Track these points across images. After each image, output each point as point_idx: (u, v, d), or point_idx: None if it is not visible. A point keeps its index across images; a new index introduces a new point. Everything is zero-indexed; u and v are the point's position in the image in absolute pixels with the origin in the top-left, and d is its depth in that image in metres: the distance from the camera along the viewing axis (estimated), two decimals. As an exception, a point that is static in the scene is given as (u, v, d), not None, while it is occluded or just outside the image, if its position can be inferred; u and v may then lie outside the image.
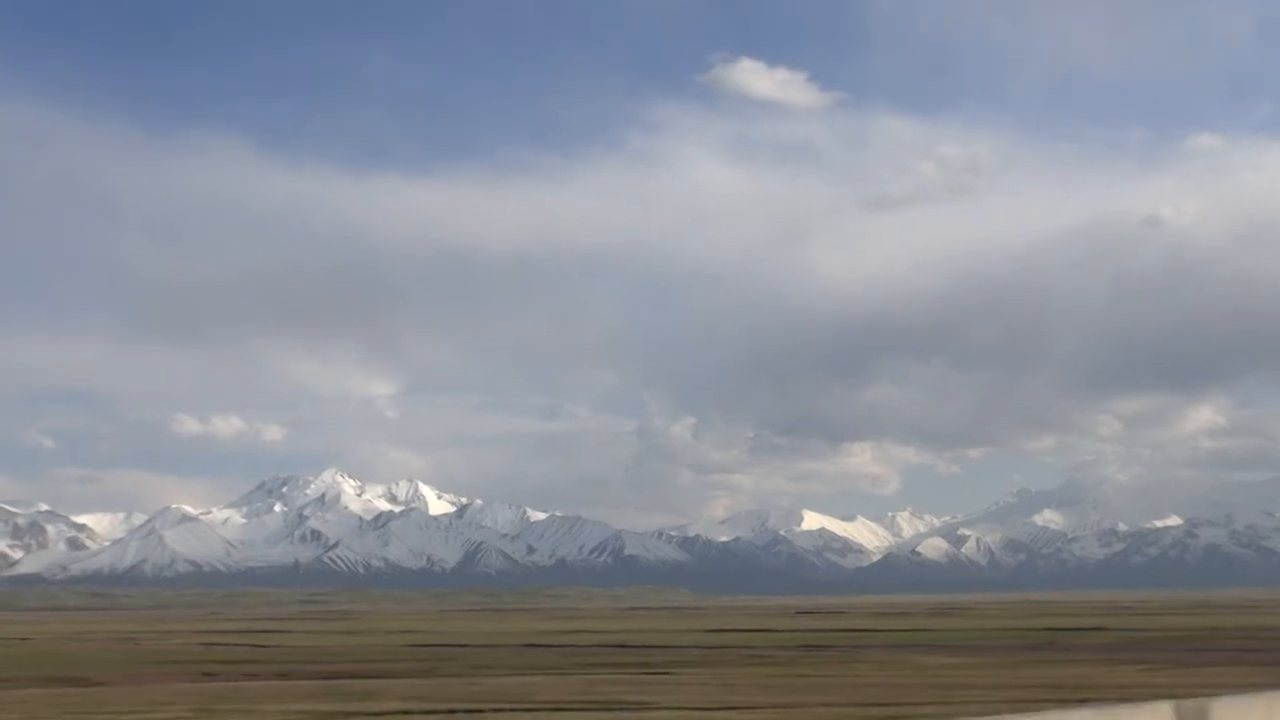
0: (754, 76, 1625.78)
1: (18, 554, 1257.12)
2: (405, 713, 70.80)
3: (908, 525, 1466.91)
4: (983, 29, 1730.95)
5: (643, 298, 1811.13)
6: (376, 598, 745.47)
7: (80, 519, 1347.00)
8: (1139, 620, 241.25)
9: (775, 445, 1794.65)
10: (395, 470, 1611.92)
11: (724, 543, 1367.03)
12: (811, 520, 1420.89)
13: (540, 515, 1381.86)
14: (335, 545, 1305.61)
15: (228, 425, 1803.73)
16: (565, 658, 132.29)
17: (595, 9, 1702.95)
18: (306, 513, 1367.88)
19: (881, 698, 76.30)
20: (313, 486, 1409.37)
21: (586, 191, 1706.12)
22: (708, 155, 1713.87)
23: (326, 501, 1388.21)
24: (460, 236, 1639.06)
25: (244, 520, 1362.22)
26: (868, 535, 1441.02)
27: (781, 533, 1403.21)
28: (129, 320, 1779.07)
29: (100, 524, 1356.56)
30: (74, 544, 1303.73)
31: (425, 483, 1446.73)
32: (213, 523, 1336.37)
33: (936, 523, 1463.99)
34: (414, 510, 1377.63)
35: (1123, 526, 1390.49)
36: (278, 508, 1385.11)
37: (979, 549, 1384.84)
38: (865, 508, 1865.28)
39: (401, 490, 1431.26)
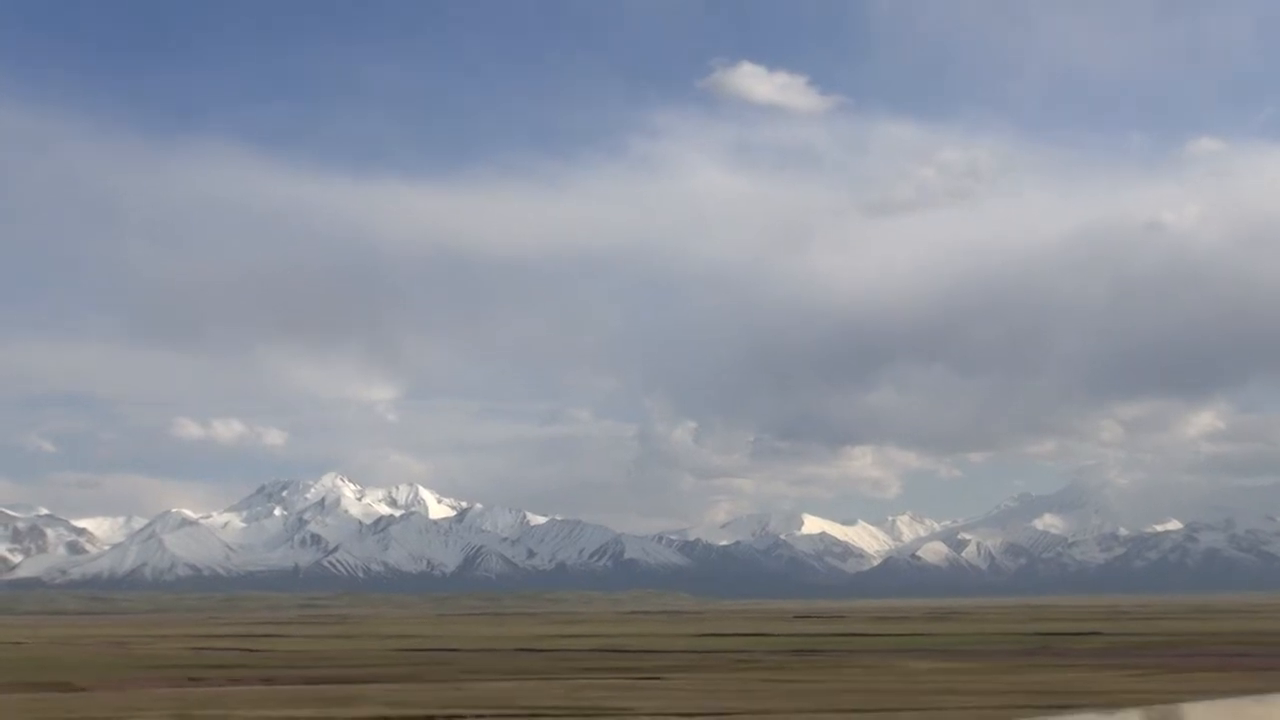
0: (754, 81, 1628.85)
1: (17, 558, 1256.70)
2: (384, 718, 70.27)
3: (908, 529, 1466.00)
4: (983, 33, 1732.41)
5: (643, 302, 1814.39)
6: (376, 602, 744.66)
7: (80, 523, 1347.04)
8: (1135, 625, 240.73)
9: (776, 449, 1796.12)
10: (395, 474, 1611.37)
11: (724, 547, 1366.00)
12: (812, 524, 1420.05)
13: (540, 519, 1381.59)
14: (335, 549, 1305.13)
15: (228, 429, 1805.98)
16: (555, 662, 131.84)
17: (595, 13, 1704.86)
18: (306, 517, 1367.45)
19: (862, 703, 75.83)
20: (313, 490, 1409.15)
21: (587, 196, 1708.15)
22: (708, 160, 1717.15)
23: (326, 506, 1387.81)
24: (461, 240, 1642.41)
25: (244, 524, 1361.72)
26: (868, 539, 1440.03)
27: (782, 537, 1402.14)
28: (129, 324, 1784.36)
29: (100, 528, 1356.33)
30: (74, 548, 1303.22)
31: (425, 487, 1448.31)
32: (213, 527, 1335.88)
33: (937, 527, 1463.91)
34: (414, 514, 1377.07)
35: (1123, 531, 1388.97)
36: (278, 512, 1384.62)
37: (979, 553, 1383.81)
38: (866, 512, 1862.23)
39: (401, 494, 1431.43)
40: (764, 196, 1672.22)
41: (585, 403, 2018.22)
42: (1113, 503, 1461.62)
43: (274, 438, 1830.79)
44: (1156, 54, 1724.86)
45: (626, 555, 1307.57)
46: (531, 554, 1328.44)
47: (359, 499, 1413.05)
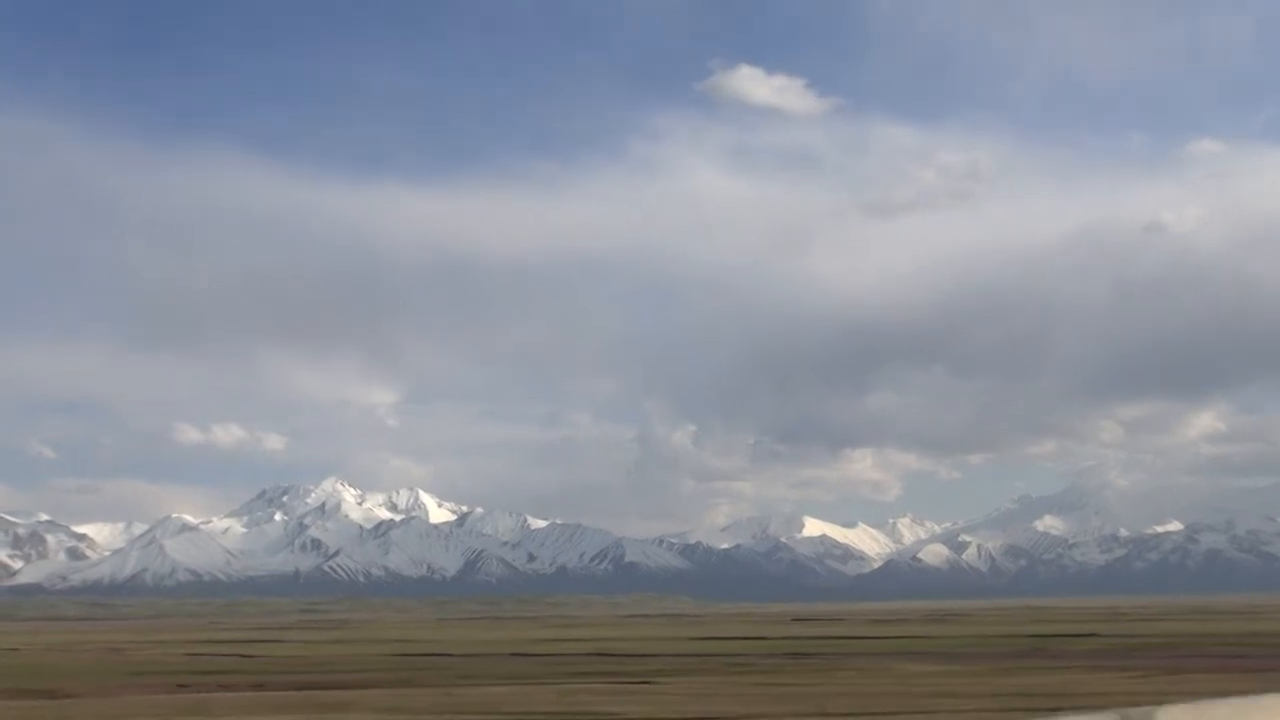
0: (753, 83, 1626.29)
1: (18, 564, 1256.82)
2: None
3: (909, 532, 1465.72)
4: (982, 34, 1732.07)
5: (643, 305, 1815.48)
6: (376, 606, 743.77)
7: (80, 529, 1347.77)
8: (1133, 626, 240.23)
9: (776, 452, 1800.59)
10: (396, 479, 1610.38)
11: (725, 550, 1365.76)
12: (812, 527, 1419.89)
13: (541, 523, 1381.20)
14: (336, 554, 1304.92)
15: (228, 434, 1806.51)
16: (549, 667, 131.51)
17: (595, 17, 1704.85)
18: (307, 521, 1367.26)
19: (854, 707, 75.51)
20: (313, 495, 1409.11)
21: (587, 199, 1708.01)
22: (708, 162, 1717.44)
23: (327, 510, 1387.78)
24: (461, 244, 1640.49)
25: (244, 529, 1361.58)
26: (869, 542, 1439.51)
27: (782, 540, 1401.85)
28: (129, 328, 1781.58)
29: (100, 534, 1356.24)
30: (74, 554, 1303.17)
31: (426, 491, 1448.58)
32: (213, 532, 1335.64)
33: (938, 529, 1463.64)
34: (414, 519, 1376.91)
35: (1124, 532, 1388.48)
36: (278, 517, 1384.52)
37: (980, 555, 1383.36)
38: (866, 514, 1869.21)
39: (402, 499, 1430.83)
40: (763, 199, 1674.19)
41: (585, 406, 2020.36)
42: (1113, 504, 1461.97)
43: (274, 442, 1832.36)
44: (1156, 55, 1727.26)
45: (627, 559, 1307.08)
46: (532, 558, 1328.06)
47: (359, 503, 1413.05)
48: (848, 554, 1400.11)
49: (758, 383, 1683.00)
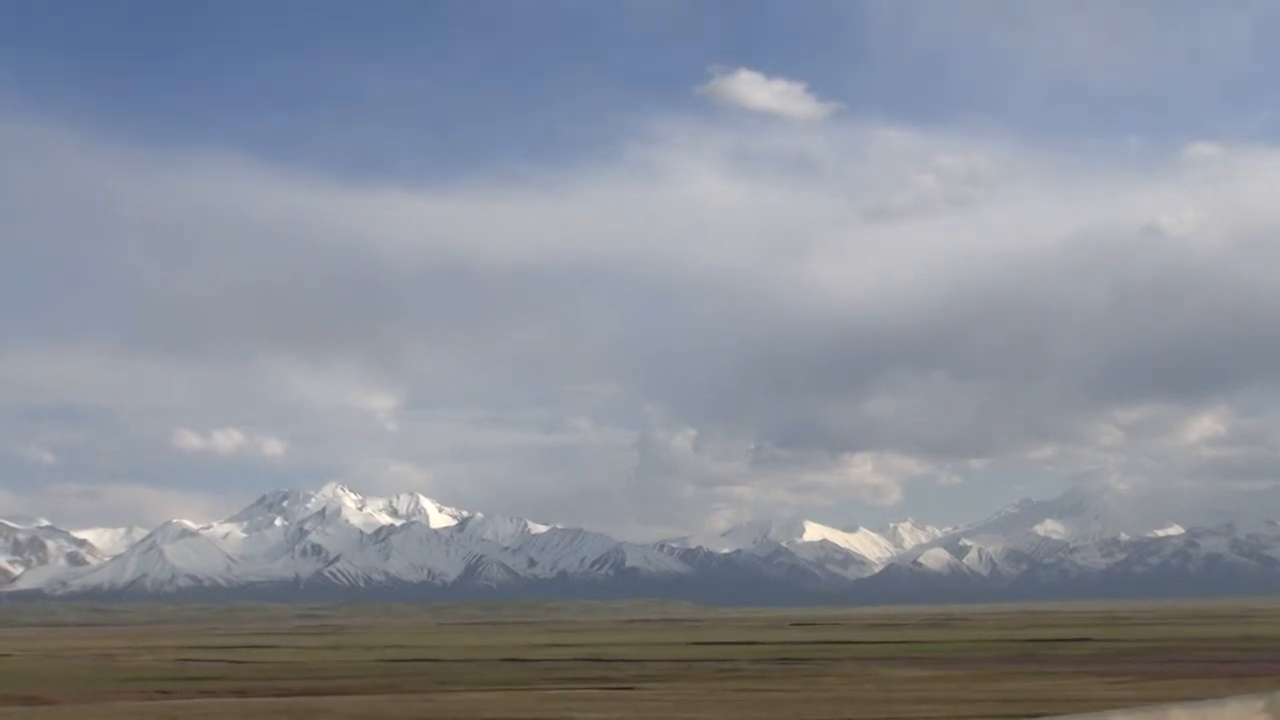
0: (752, 88, 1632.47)
1: (18, 570, 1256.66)
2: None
3: (909, 536, 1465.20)
4: (981, 39, 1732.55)
5: (643, 309, 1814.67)
6: (376, 612, 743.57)
7: (80, 534, 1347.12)
8: (1130, 631, 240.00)
9: (776, 457, 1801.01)
10: (396, 484, 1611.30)
11: (725, 554, 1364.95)
12: (813, 531, 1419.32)
13: (541, 528, 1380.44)
14: (336, 559, 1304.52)
15: (228, 439, 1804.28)
16: (537, 673, 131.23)
17: (593, 22, 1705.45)
18: (307, 527, 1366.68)
19: (832, 713, 75.27)
20: (313, 500, 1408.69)
21: (586, 204, 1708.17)
22: (707, 167, 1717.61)
23: (327, 515, 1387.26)
24: (460, 249, 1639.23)
25: (244, 535, 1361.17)
26: (869, 546, 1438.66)
27: (783, 544, 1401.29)
28: (129, 334, 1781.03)
29: (100, 539, 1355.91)
30: (74, 559, 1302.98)
31: (426, 496, 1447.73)
32: (213, 537, 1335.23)
33: (938, 533, 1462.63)
34: (415, 524, 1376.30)
35: (1124, 536, 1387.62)
36: (278, 522, 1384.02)
37: (980, 559, 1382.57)
38: (867, 519, 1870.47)
39: (402, 504, 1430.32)
40: (763, 203, 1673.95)
41: (585, 411, 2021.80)
42: (1114, 508, 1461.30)
43: (274, 448, 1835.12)
44: (1154, 58, 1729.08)
45: (628, 564, 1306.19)
46: (533, 563, 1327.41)
47: (360, 509, 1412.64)
48: (848, 558, 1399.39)
49: (758, 387, 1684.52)
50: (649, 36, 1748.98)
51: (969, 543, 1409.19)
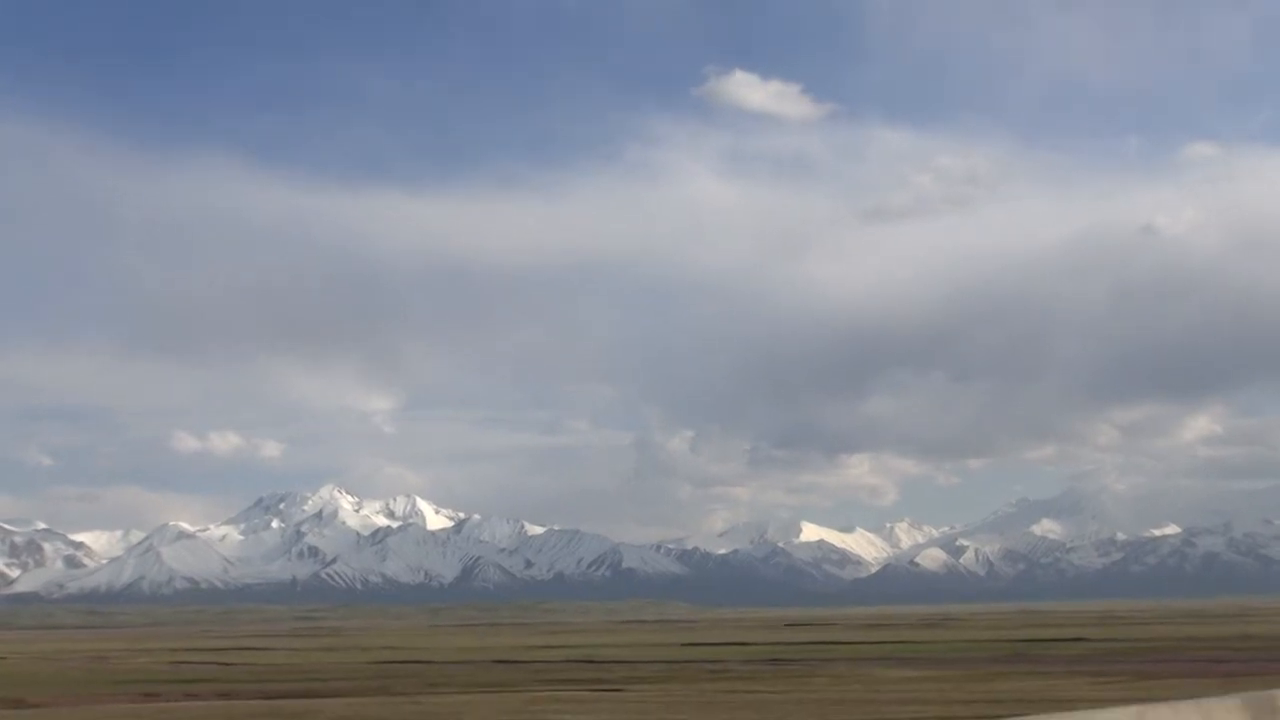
0: (748, 89, 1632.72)
1: (15, 572, 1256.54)
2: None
3: (906, 536, 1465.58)
4: (979, 39, 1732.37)
5: (640, 310, 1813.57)
6: (373, 613, 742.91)
7: (78, 537, 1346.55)
8: (1124, 630, 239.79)
9: (773, 458, 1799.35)
10: (393, 486, 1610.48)
11: (722, 555, 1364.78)
12: (810, 532, 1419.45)
13: (538, 529, 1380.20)
14: (333, 561, 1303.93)
15: (225, 442, 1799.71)
16: (528, 674, 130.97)
17: (592, 22, 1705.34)
18: (304, 529, 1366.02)
19: (816, 714, 75.01)
20: (310, 503, 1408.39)
21: (584, 204, 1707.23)
22: (704, 168, 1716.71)
23: (324, 517, 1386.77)
24: (458, 250, 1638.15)
25: (241, 537, 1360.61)
26: (866, 546, 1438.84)
27: (780, 545, 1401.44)
28: (127, 336, 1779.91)
29: (98, 542, 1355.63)
30: (71, 562, 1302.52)
31: (423, 498, 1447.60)
32: (210, 539, 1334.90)
33: (935, 533, 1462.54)
34: (412, 525, 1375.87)
35: (1121, 536, 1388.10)
36: (275, 524, 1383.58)
37: (978, 559, 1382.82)
38: (864, 519, 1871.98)
39: (399, 506, 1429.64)
40: (760, 204, 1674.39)
41: (583, 412, 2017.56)
42: (1111, 507, 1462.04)
43: (271, 450, 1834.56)
44: (1154, 58, 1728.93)
45: (624, 565, 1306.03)
46: (529, 564, 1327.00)
47: (356, 510, 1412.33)
48: (845, 559, 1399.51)
49: (755, 388, 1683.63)
50: (648, 37, 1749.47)
51: (966, 543, 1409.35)
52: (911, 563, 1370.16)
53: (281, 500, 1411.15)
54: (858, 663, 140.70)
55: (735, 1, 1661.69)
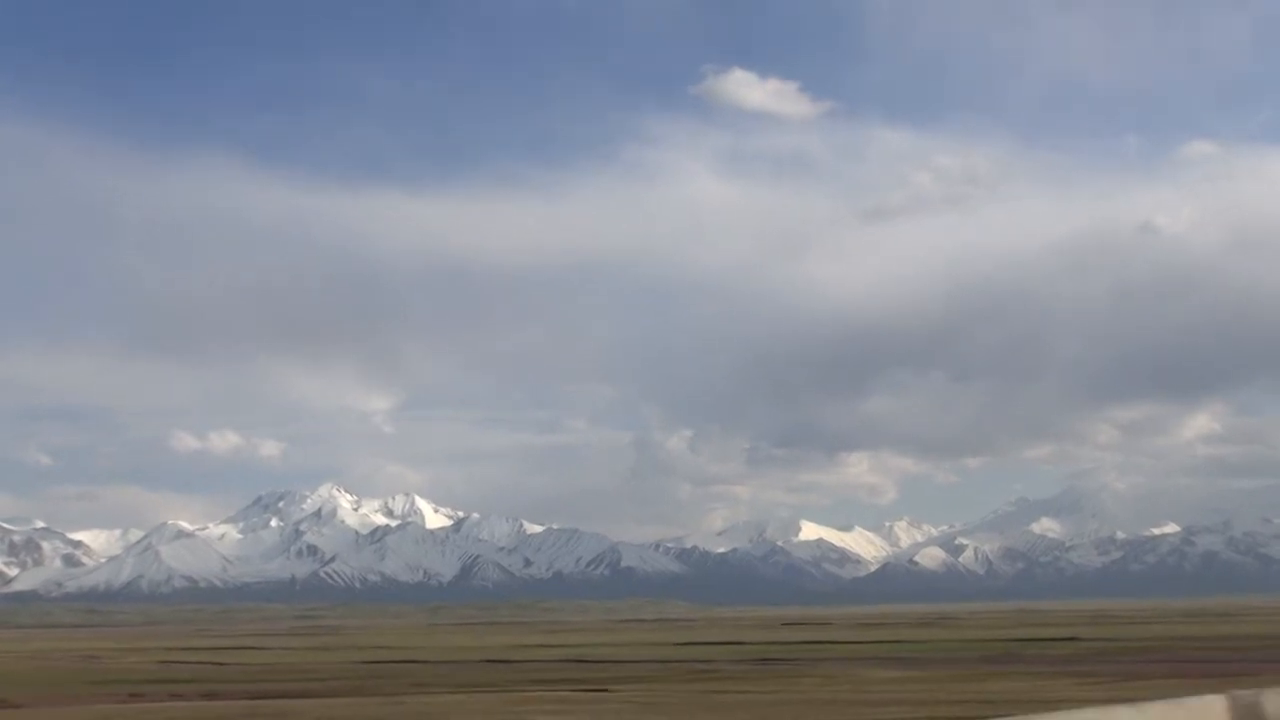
0: (746, 88, 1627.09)
1: (14, 571, 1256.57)
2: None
3: (905, 535, 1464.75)
4: (978, 38, 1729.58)
5: (639, 310, 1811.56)
6: (372, 612, 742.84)
7: (77, 535, 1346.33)
8: (1119, 630, 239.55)
9: (772, 456, 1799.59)
10: (392, 485, 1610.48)
11: (722, 554, 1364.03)
12: (809, 531, 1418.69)
13: (537, 528, 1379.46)
14: (332, 560, 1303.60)
15: (224, 441, 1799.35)
16: (516, 674, 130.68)
17: (590, 23, 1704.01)
18: (303, 528, 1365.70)
19: (799, 714, 74.64)
20: (309, 501, 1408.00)
21: (584, 204, 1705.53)
22: (703, 167, 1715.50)
23: (323, 516, 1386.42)
24: (458, 250, 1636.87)
25: (240, 536, 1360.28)
26: (865, 545, 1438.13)
27: (779, 543, 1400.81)
28: (127, 336, 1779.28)
29: (97, 540, 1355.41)
30: (70, 561, 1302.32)
31: (422, 497, 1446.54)
32: (209, 538, 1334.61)
33: (934, 532, 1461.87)
34: (411, 524, 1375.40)
35: (1121, 534, 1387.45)
36: (274, 523, 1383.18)
37: (977, 558, 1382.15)
38: (863, 518, 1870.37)
39: (398, 504, 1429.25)
40: (759, 203, 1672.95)
41: (582, 411, 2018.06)
42: (1110, 506, 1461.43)
43: (270, 449, 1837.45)
44: (1153, 58, 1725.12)
45: (624, 563, 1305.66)
46: (528, 563, 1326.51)
47: (355, 509, 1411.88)
48: (844, 557, 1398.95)
49: (754, 387, 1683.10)
50: (647, 36, 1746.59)
51: (965, 541, 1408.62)
52: (911, 562, 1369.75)
53: (280, 499, 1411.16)
54: (849, 663, 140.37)
55: (734, 1, 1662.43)
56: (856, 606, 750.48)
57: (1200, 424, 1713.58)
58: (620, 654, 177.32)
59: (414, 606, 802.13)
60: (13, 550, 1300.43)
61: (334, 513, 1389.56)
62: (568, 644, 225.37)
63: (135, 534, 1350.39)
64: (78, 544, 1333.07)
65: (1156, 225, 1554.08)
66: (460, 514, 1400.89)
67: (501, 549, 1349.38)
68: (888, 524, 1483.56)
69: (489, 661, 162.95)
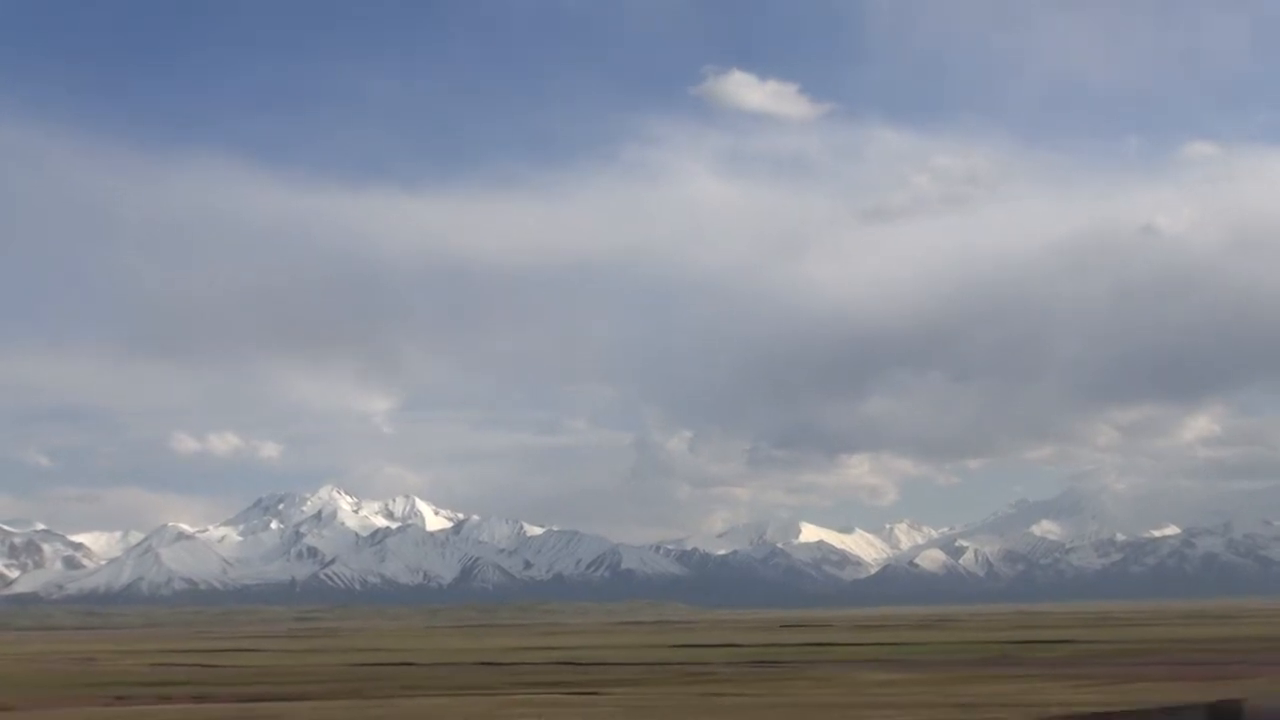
0: (746, 89, 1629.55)
1: (14, 573, 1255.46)
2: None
3: (905, 537, 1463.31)
4: (980, 39, 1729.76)
5: (639, 310, 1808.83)
6: (372, 614, 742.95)
7: (77, 538, 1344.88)
8: (1116, 632, 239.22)
9: (773, 458, 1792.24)
10: (392, 486, 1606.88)
11: (722, 556, 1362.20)
12: (809, 533, 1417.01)
13: (537, 530, 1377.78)
14: (332, 562, 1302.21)
15: (224, 443, 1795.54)
16: (509, 677, 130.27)
17: (590, 23, 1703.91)
18: (303, 530, 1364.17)
19: (788, 718, 74.24)
20: (309, 503, 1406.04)
21: (583, 205, 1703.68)
22: (703, 168, 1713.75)
23: (323, 518, 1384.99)
24: (458, 250, 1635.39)
25: (240, 538, 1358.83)
26: (866, 547, 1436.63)
27: (779, 545, 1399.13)
28: (127, 337, 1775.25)
29: (97, 543, 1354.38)
30: (70, 563, 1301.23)
31: (422, 498, 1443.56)
32: (209, 540, 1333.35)
33: (934, 534, 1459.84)
34: (411, 526, 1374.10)
35: (1121, 536, 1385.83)
36: (274, 525, 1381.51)
37: (977, 560, 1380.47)
38: (863, 520, 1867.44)
39: (398, 506, 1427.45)
40: (760, 204, 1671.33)
41: (582, 412, 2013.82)
42: (1110, 508, 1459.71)
43: (270, 451, 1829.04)
44: (1153, 58, 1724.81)
45: (624, 565, 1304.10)
46: (528, 565, 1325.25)
47: (355, 511, 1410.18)
48: (844, 559, 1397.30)
49: (754, 388, 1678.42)
50: (647, 37, 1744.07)
51: (965, 543, 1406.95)
52: (911, 563, 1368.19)
53: (280, 501, 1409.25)
54: (844, 665, 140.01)
55: (734, 1, 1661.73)
56: (856, 609, 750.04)
57: (1200, 425, 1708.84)
58: (616, 656, 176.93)
59: (414, 609, 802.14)
60: (13, 552, 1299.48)
61: (334, 515, 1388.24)
62: (564, 646, 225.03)
63: (135, 536, 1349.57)
64: (78, 546, 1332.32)
65: (1157, 226, 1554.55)
66: (460, 516, 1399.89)
67: (502, 551, 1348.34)
68: (888, 526, 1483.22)
69: (482, 664, 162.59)
